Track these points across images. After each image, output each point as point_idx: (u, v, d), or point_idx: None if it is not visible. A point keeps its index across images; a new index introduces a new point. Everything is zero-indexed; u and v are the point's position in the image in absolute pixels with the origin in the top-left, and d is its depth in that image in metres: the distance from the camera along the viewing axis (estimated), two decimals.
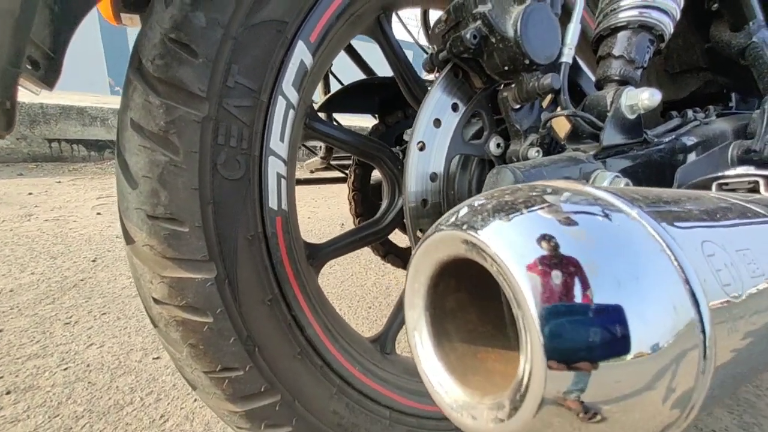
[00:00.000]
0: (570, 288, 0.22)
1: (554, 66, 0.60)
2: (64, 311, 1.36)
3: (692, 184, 0.61)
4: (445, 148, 0.66)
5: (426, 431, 0.72)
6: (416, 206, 0.65)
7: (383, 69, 1.08)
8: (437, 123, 0.65)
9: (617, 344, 0.22)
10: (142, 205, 0.48)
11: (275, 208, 0.58)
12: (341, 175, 1.60)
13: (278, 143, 0.57)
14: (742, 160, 0.67)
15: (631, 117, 0.60)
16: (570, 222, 0.24)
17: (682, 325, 0.23)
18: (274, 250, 0.57)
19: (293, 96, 0.58)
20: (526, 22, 0.55)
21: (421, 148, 0.64)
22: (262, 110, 0.54)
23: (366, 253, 2.05)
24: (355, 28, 0.72)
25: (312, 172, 1.64)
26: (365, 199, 1.35)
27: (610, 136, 0.59)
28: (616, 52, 0.65)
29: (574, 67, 0.75)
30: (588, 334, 0.22)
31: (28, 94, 0.48)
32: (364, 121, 5.43)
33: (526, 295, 0.22)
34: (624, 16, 0.64)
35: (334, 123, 1.36)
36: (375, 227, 0.90)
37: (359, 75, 1.32)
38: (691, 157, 0.71)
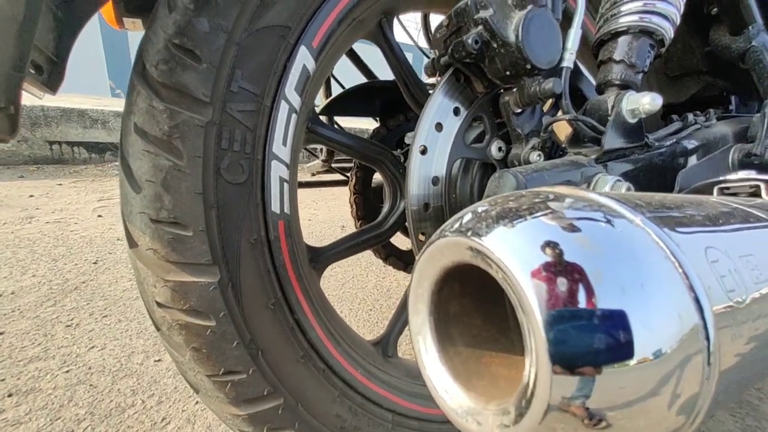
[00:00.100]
0: (574, 294, 0.22)
1: (555, 70, 0.60)
2: (66, 314, 1.36)
3: (693, 189, 0.61)
4: (447, 152, 0.66)
5: None
6: (418, 210, 0.65)
7: (384, 72, 1.09)
8: (439, 127, 0.65)
9: (622, 350, 0.22)
10: (146, 209, 0.48)
11: (278, 211, 0.58)
12: (342, 177, 1.61)
13: (281, 147, 0.57)
14: (743, 164, 0.67)
15: (632, 121, 0.61)
16: (574, 228, 0.24)
17: (687, 331, 0.23)
18: (276, 254, 0.57)
19: (296, 100, 0.58)
20: (527, 28, 0.55)
21: (423, 152, 0.65)
22: (265, 115, 0.54)
23: (367, 256, 2.05)
24: (357, 33, 0.72)
25: (313, 174, 1.64)
26: (367, 202, 1.35)
27: (612, 140, 0.60)
28: (616, 56, 0.65)
29: (575, 72, 0.75)
30: (593, 341, 0.22)
31: (29, 96, 0.48)
32: (364, 123, 5.44)
33: (531, 301, 0.22)
34: (625, 21, 0.64)
35: (336, 126, 1.36)
36: (377, 230, 0.90)
37: (360, 78, 1.32)
38: (692, 160, 0.71)
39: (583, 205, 0.26)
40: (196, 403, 0.98)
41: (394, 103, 1.21)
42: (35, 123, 3.92)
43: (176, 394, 1.01)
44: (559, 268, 0.23)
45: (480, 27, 0.57)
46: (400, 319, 0.81)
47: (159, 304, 0.51)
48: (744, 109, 1.09)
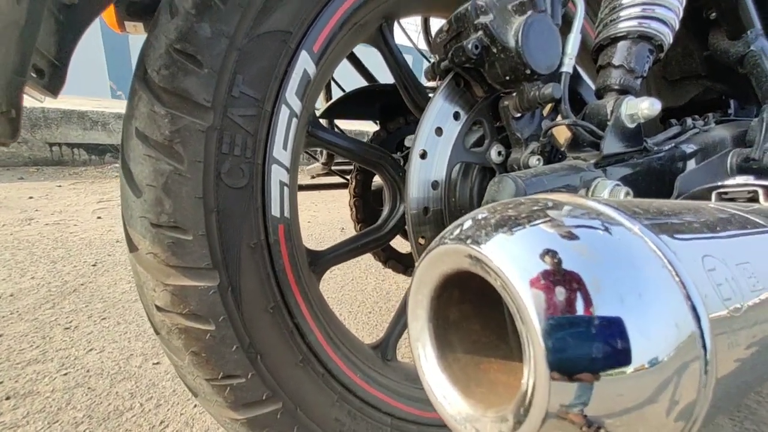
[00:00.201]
0: (573, 302, 0.22)
1: (555, 75, 0.61)
2: (64, 316, 1.36)
3: (692, 194, 0.61)
4: (447, 156, 0.66)
5: None
6: (418, 213, 0.66)
7: (384, 75, 1.09)
8: (439, 131, 0.65)
9: (620, 358, 0.22)
10: (146, 214, 0.49)
11: (278, 215, 0.58)
12: (342, 180, 1.61)
13: (281, 152, 0.57)
14: (741, 169, 0.68)
15: (631, 126, 0.61)
16: (572, 237, 0.24)
17: (684, 339, 0.23)
18: (276, 258, 0.57)
19: (296, 105, 0.58)
20: (527, 33, 0.56)
21: (423, 156, 0.65)
22: (266, 119, 0.55)
23: (366, 258, 2.05)
24: (357, 37, 0.73)
25: (313, 177, 1.64)
26: (366, 205, 1.35)
27: (611, 145, 0.60)
28: (616, 61, 0.65)
29: (575, 77, 0.76)
30: (591, 348, 0.22)
31: (29, 98, 0.48)
32: (364, 125, 5.44)
33: (530, 309, 0.23)
34: (624, 26, 0.64)
35: (336, 130, 1.37)
36: (376, 234, 0.91)
37: (360, 81, 1.32)
38: (691, 164, 0.72)
39: (582, 213, 0.26)
40: (195, 406, 0.98)
41: (394, 106, 1.21)
42: (35, 124, 3.92)
43: (175, 397, 1.01)
44: (557, 276, 0.23)
45: (480, 32, 0.58)
46: (400, 322, 0.81)
47: (158, 308, 0.51)
48: (743, 112, 1.09)
